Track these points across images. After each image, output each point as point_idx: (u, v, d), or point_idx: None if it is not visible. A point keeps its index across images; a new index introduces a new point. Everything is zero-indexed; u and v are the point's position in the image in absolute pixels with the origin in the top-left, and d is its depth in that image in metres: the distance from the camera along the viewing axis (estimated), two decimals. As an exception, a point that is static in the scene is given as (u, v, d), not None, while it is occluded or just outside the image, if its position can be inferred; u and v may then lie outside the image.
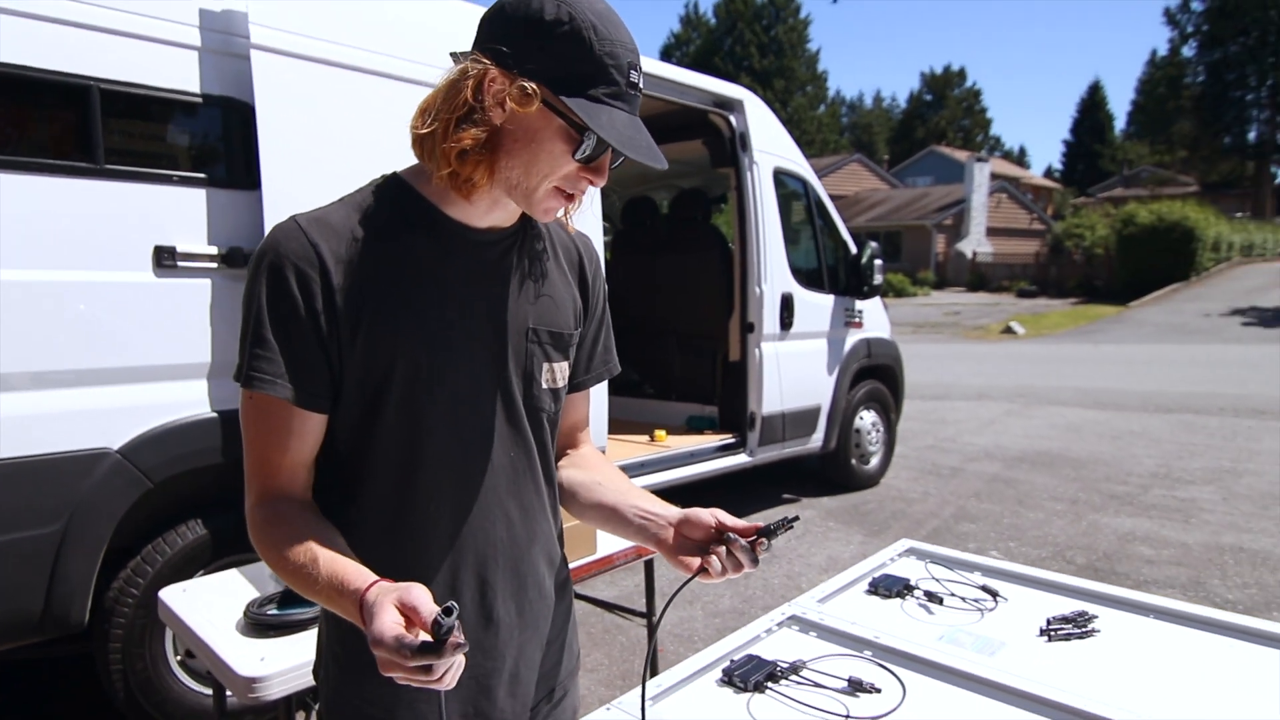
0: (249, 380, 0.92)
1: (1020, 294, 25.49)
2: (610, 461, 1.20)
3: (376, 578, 0.84)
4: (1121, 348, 13.58)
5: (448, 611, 0.74)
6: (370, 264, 0.94)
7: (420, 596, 0.77)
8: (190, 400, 2.52)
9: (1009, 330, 17.18)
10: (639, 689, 1.25)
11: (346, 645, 1.01)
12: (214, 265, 2.53)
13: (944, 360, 12.30)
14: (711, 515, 1.01)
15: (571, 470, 1.18)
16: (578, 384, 1.17)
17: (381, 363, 0.95)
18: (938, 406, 8.51)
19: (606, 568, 2.19)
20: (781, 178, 4.82)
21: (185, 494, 2.60)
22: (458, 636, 0.73)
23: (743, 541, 0.98)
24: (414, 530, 0.99)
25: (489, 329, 1.02)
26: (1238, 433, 6.93)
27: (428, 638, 0.74)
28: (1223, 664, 1.29)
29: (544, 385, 1.07)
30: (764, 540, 0.98)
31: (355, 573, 0.85)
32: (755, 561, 0.98)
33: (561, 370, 1.09)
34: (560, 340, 1.08)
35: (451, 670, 0.76)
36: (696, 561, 1.00)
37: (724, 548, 0.99)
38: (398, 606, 0.77)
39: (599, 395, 3.79)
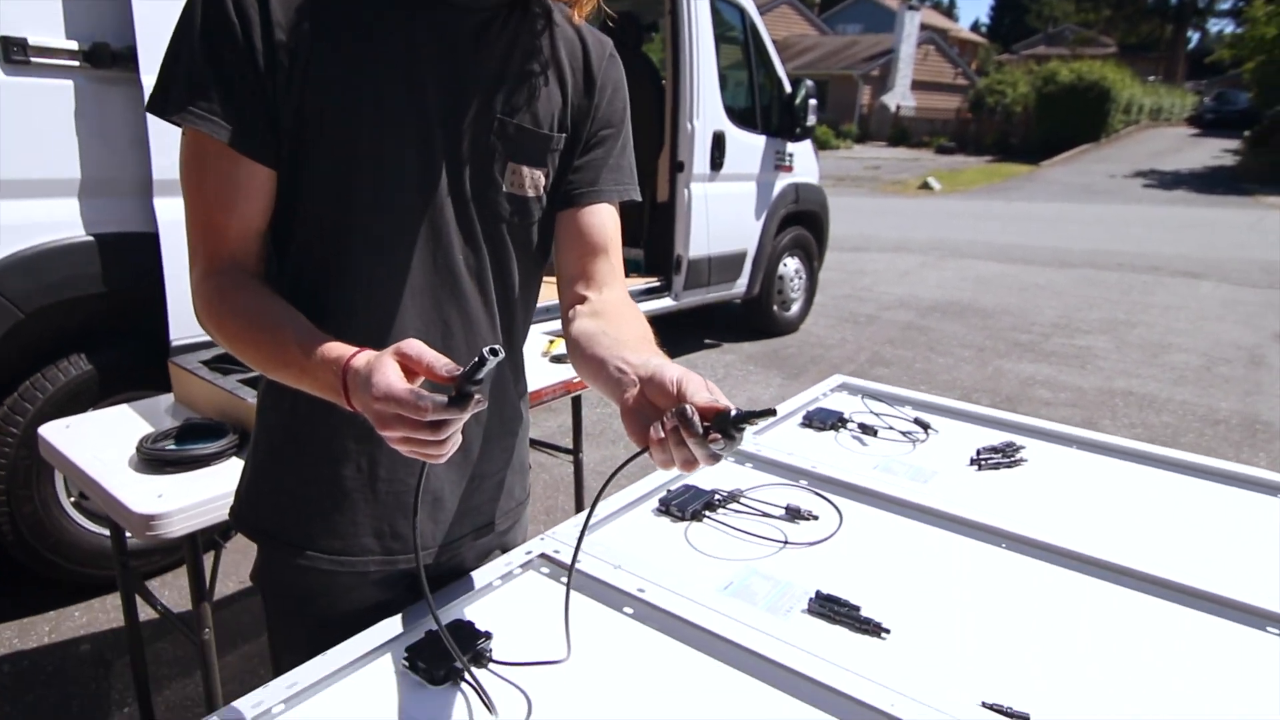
0: (184, 113, 0.80)
1: (939, 150, 25.65)
2: (639, 312, 0.99)
3: (354, 348, 0.76)
4: (1032, 205, 13.93)
5: (493, 352, 0.66)
6: (319, 6, 0.82)
7: (422, 348, 0.71)
8: (60, 221, 2.24)
9: (926, 186, 17.35)
10: (571, 519, 1.20)
11: (295, 435, 0.96)
12: (75, 64, 2.19)
13: (864, 214, 12.39)
14: (676, 378, 0.74)
15: (584, 321, 0.95)
16: (573, 198, 0.99)
17: (310, 124, 0.82)
18: (856, 258, 8.61)
19: (538, 402, 2.13)
20: (718, 4, 4.51)
21: (65, 326, 2.37)
22: (482, 397, 0.69)
23: (696, 426, 0.70)
24: (337, 319, 0.88)
25: (444, 106, 0.87)
26: (1133, 287, 7.28)
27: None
28: (1137, 489, 1.33)
29: (504, 188, 0.93)
30: (722, 435, 0.71)
31: (334, 343, 0.77)
32: (713, 457, 0.71)
33: (534, 178, 0.95)
34: (534, 141, 0.94)
35: (454, 438, 0.71)
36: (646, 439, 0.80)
37: (676, 426, 0.72)
38: (399, 360, 0.70)
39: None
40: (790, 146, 5.14)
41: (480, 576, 1.03)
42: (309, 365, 0.76)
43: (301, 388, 0.79)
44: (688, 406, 0.71)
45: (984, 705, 0.84)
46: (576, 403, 2.31)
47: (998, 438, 1.51)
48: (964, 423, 1.59)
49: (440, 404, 0.67)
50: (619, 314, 0.97)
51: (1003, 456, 1.43)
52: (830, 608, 0.98)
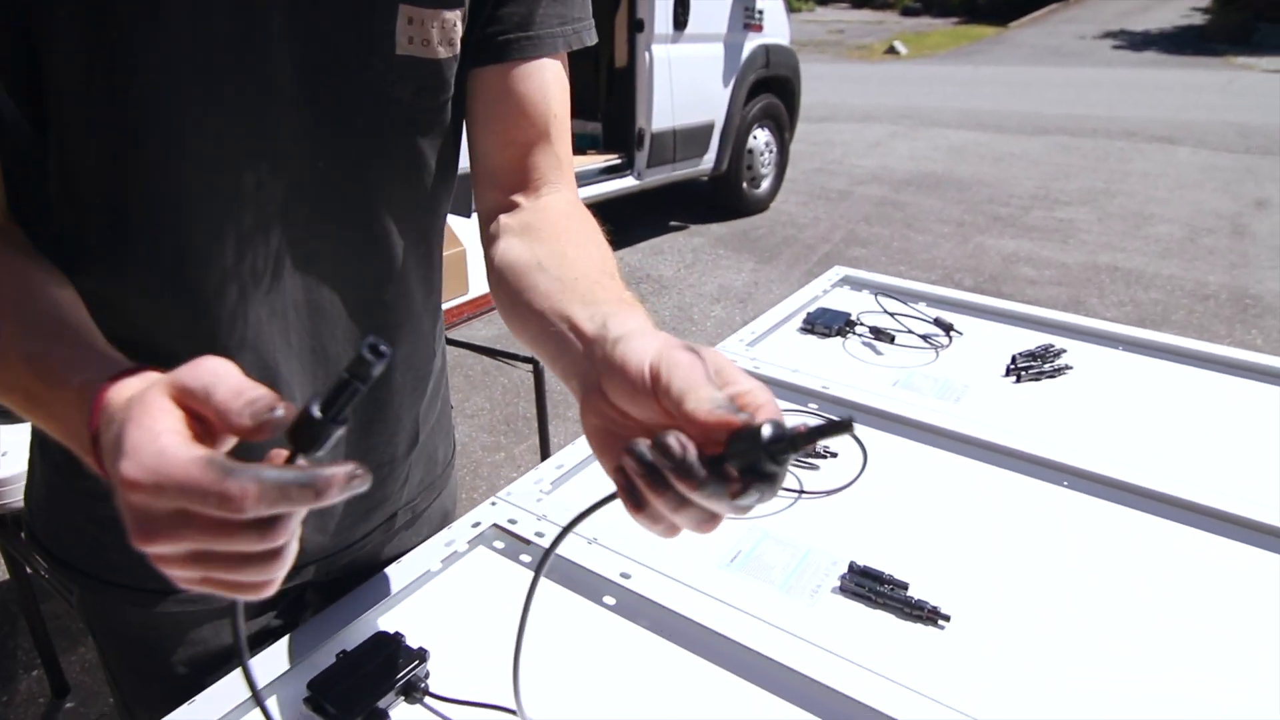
0: None
1: (904, 12, 24.56)
2: (587, 219, 0.68)
3: (127, 363, 0.45)
4: (1001, 69, 13.42)
5: (375, 351, 0.36)
6: None
7: (217, 373, 0.39)
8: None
9: (892, 50, 16.64)
10: (530, 475, 0.95)
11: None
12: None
13: (829, 81, 11.81)
14: (652, 364, 0.43)
15: (511, 245, 0.65)
16: (498, 50, 0.66)
17: None
18: (824, 128, 8.20)
19: (482, 310, 1.84)
20: None
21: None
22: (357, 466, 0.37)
23: (693, 469, 0.39)
24: (131, 282, 0.58)
25: None
26: (1110, 154, 7.02)
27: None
28: (1207, 400, 1.11)
29: (397, 50, 0.60)
30: (750, 475, 0.40)
31: (89, 349, 0.46)
32: (739, 509, 0.41)
33: (445, 26, 0.61)
34: None
35: (290, 546, 0.39)
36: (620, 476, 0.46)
37: (652, 467, 0.41)
38: (176, 398, 0.39)
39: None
40: (760, 1, 4.66)
41: (410, 565, 0.78)
42: (40, 394, 0.46)
43: (42, 428, 0.49)
44: (672, 436, 0.39)
45: (1091, 731, 0.62)
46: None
47: (1030, 338, 1.28)
48: (989, 320, 1.35)
49: (267, 481, 0.36)
50: (565, 232, 0.65)
51: (1043, 364, 1.20)
52: (870, 586, 0.76)
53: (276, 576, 0.39)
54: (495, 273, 0.66)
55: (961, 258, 4.36)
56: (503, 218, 0.68)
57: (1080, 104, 9.83)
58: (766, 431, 0.39)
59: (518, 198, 0.69)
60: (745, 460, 0.39)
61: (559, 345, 0.54)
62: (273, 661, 0.66)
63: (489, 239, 0.68)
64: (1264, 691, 0.67)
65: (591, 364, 0.48)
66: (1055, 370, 1.19)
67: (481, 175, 0.70)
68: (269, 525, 0.37)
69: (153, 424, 0.37)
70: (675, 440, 0.39)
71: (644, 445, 0.40)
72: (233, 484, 0.35)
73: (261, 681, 0.64)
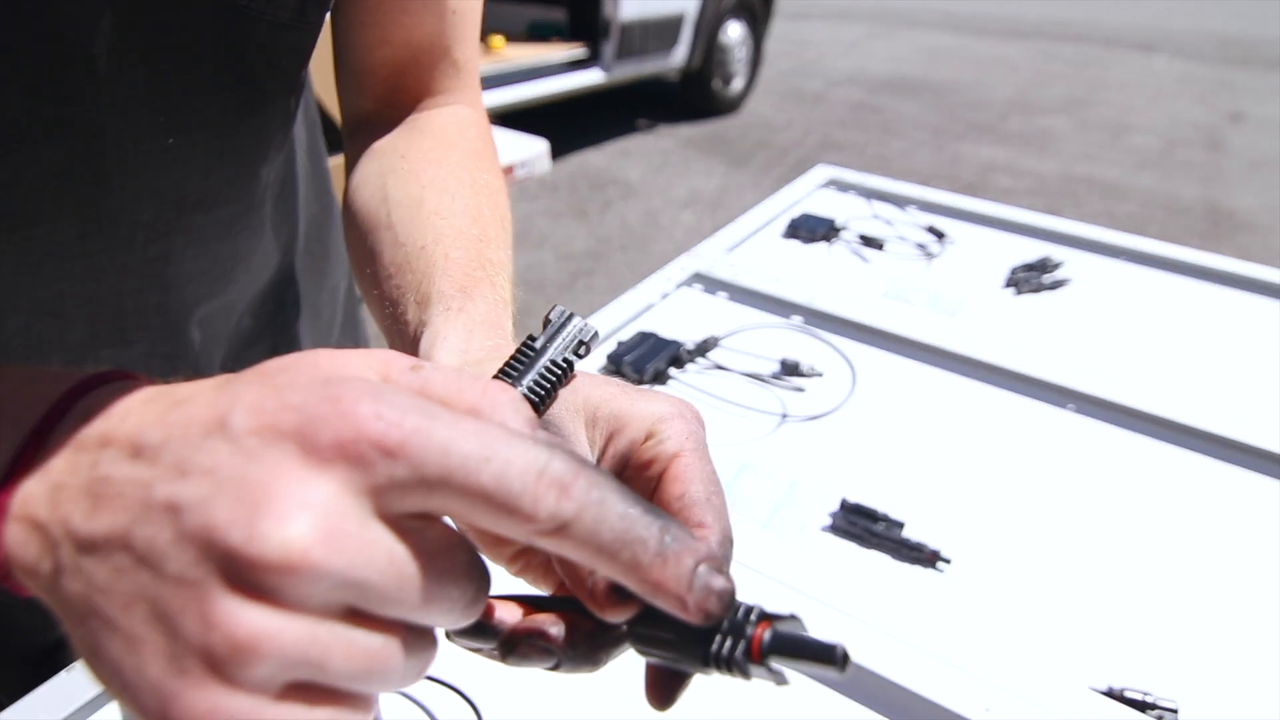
0: None
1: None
2: (475, 149, 0.51)
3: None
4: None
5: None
6: None
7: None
8: None
9: (872, -55, 15.92)
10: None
11: None
12: None
13: (806, -24, 11.28)
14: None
15: (367, 177, 0.49)
16: None
17: None
18: (798, 27, 7.85)
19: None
20: None
21: None
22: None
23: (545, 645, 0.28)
24: None
25: None
26: (1089, 62, 6.84)
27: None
28: (1217, 317, 1.03)
29: None
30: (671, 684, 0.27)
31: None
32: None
33: None
34: None
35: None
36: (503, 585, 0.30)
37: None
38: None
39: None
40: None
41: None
42: None
43: None
44: (555, 629, 0.27)
45: (1108, 693, 0.56)
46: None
47: (1025, 247, 1.18)
48: (982, 227, 1.25)
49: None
50: (435, 166, 0.47)
51: (1041, 274, 1.11)
52: (863, 525, 0.68)
53: None
54: (346, 215, 0.50)
55: (938, 165, 4.24)
56: (375, 142, 0.51)
57: (1060, 7, 9.53)
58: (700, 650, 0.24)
59: (393, 112, 0.52)
60: (655, 653, 0.26)
61: (393, 338, 0.41)
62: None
63: (350, 159, 0.52)
64: (1275, 619, 0.61)
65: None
66: (1055, 283, 1.10)
67: (348, 77, 0.53)
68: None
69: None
70: (556, 634, 0.27)
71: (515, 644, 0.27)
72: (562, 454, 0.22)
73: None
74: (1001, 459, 0.78)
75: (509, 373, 0.31)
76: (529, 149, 1.75)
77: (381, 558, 0.20)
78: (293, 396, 0.21)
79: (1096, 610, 0.63)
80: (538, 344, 0.30)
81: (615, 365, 0.87)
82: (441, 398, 0.23)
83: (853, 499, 0.69)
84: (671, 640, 0.25)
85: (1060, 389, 0.86)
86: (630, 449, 0.30)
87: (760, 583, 0.61)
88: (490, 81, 3.52)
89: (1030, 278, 1.10)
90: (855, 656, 0.56)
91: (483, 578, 0.24)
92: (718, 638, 0.24)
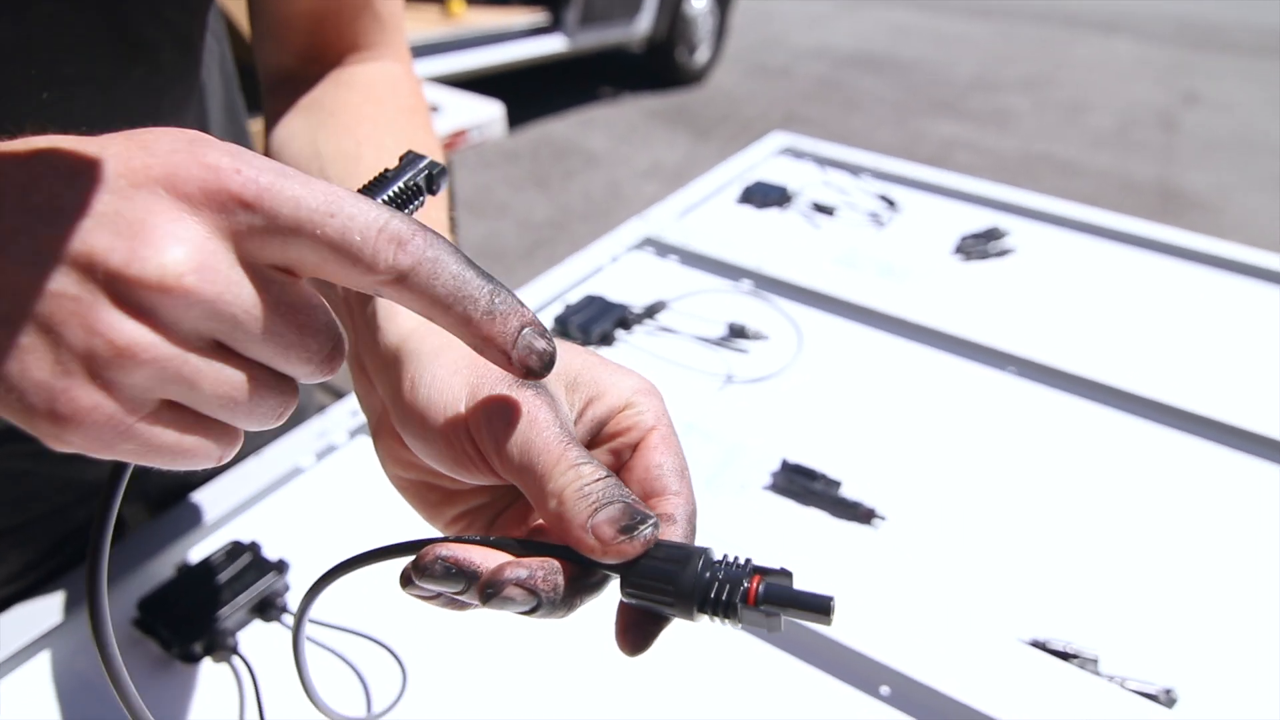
0: None
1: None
2: (406, 105, 0.50)
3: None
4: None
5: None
6: None
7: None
8: None
9: (841, -81, 15.85)
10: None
11: None
12: None
13: (774, -52, 11.20)
14: (487, 432, 0.28)
15: (294, 128, 0.48)
16: None
17: None
18: (763, 1, 7.81)
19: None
20: None
21: None
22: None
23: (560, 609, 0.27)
24: None
25: None
26: (1050, 41, 6.91)
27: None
28: (1159, 287, 1.06)
29: None
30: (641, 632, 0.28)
31: None
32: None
33: None
34: None
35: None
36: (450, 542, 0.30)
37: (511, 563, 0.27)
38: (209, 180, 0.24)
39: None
40: None
41: (273, 460, 0.67)
42: None
43: None
44: (540, 574, 0.27)
45: (1033, 644, 0.57)
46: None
47: (975, 216, 1.20)
48: (934, 196, 1.26)
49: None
50: (367, 122, 0.47)
51: (988, 242, 1.12)
52: (801, 484, 0.68)
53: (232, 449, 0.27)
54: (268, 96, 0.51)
55: (900, 141, 4.26)
56: (295, 98, 0.49)
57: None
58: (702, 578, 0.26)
59: (316, 68, 0.50)
60: (649, 598, 0.27)
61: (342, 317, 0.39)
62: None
63: (270, 115, 0.51)
64: (1196, 575, 0.63)
65: (373, 378, 0.35)
66: (1001, 251, 1.11)
67: (264, 28, 0.51)
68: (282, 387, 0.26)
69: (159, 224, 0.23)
70: (545, 581, 0.26)
71: (506, 587, 0.26)
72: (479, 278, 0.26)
73: (76, 602, 0.53)
74: (941, 421, 0.79)
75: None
76: (483, 112, 1.72)
77: (247, 297, 0.23)
78: (159, 148, 0.23)
79: (1026, 566, 0.64)
80: (389, 174, 0.30)
81: (562, 326, 0.86)
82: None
83: (793, 459, 0.70)
84: (667, 587, 0.26)
85: (1000, 353, 0.87)
86: (607, 416, 0.31)
87: (701, 539, 0.61)
88: (449, 46, 3.45)
89: (977, 246, 1.11)
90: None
91: (339, 338, 0.26)
92: (715, 586, 0.26)
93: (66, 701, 0.49)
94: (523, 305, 0.26)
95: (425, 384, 0.30)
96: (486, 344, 0.26)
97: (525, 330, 0.26)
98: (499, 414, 0.28)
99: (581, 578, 0.27)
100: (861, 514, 0.67)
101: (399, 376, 0.32)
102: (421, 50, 3.32)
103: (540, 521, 0.31)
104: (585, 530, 0.26)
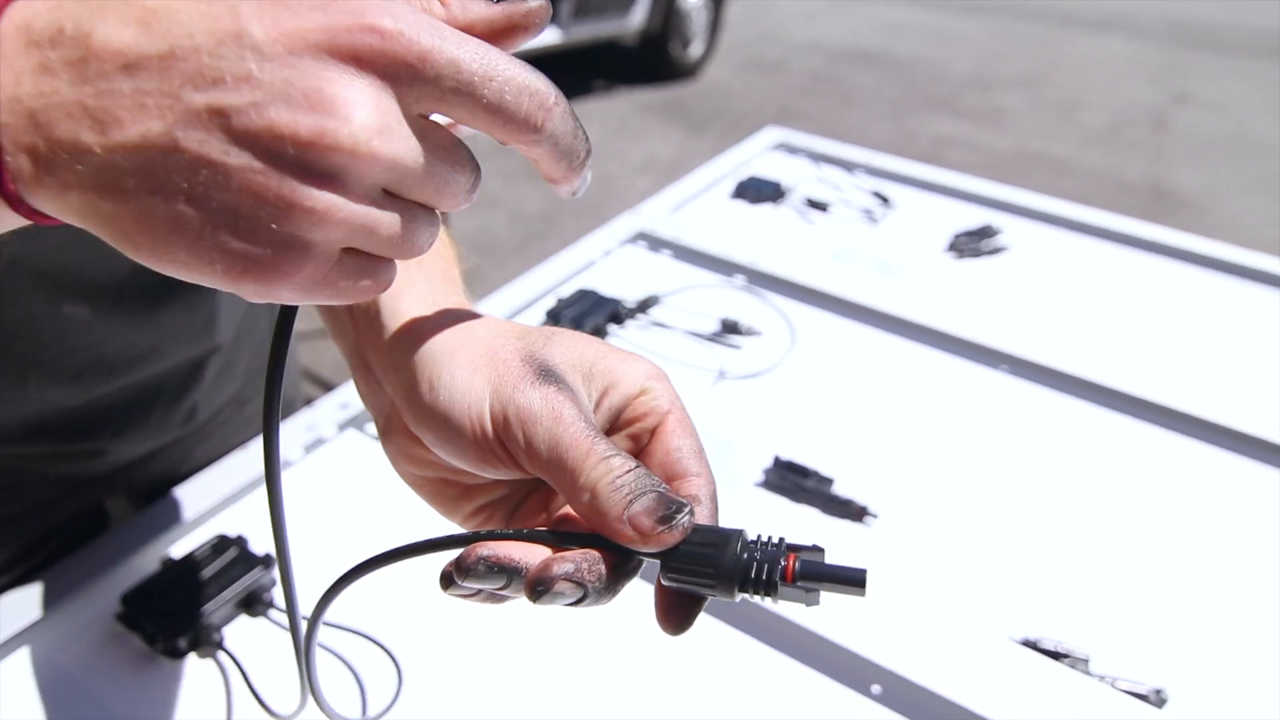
0: None
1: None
2: None
3: None
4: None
5: None
6: None
7: None
8: None
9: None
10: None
11: None
12: None
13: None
14: (519, 430, 0.29)
15: None
16: None
17: None
18: (762, -6, 7.78)
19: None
20: None
21: None
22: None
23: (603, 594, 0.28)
24: None
25: None
26: (1046, 40, 6.92)
27: None
28: (1152, 287, 1.06)
29: None
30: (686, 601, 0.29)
31: None
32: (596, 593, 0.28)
33: None
34: None
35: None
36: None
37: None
38: None
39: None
40: None
41: (260, 453, 0.66)
42: None
43: None
44: (584, 565, 0.27)
45: (1025, 643, 0.57)
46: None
47: (968, 213, 1.19)
48: (927, 193, 1.26)
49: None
50: None
51: (981, 240, 1.12)
52: (794, 481, 0.68)
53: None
54: None
55: (894, 138, 4.26)
56: None
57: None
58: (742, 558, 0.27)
59: None
60: (691, 581, 0.28)
61: (323, 310, 0.40)
62: (77, 569, 0.54)
63: None
64: (1187, 575, 0.63)
65: (381, 378, 0.35)
66: (994, 249, 1.11)
67: None
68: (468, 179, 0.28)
69: None
70: (590, 571, 0.27)
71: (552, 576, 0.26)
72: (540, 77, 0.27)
73: (58, 596, 0.52)
74: (933, 418, 0.79)
75: None
76: (476, 104, 1.70)
77: (415, 148, 0.24)
78: (300, 7, 0.23)
79: (1018, 565, 0.64)
80: None
81: (554, 320, 0.86)
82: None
83: (786, 456, 0.69)
84: (708, 570, 0.27)
85: (993, 351, 0.87)
86: (624, 403, 0.31)
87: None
88: (443, 37, 3.42)
89: (970, 244, 1.11)
90: (779, 609, 0.56)
91: (477, 171, 0.27)
92: (754, 565, 0.27)
93: (48, 696, 0.49)
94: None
95: (445, 385, 0.30)
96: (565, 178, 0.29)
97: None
98: (525, 412, 0.29)
99: (621, 564, 0.28)
100: (854, 511, 0.66)
101: (414, 378, 0.31)
102: (415, 41, 3.29)
103: (565, 510, 0.31)
104: (623, 522, 0.27)
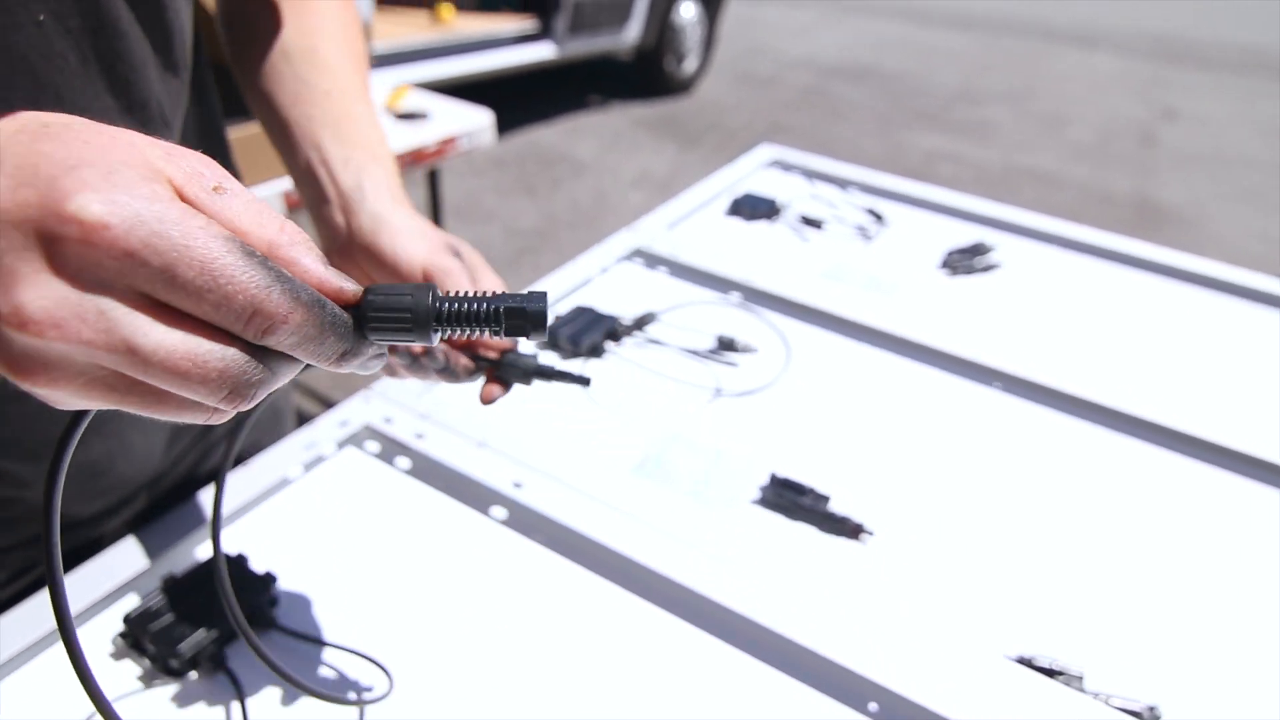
0: None
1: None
2: (343, 5, 0.60)
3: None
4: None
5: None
6: None
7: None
8: None
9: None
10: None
11: None
12: None
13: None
14: (437, 277, 0.48)
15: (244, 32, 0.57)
16: None
17: None
18: (753, 9, 7.85)
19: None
20: None
21: None
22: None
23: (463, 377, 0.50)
24: None
25: None
26: (1030, 55, 6.99)
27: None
28: (1141, 303, 1.07)
29: None
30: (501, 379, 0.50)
31: None
32: (454, 376, 0.49)
33: None
34: None
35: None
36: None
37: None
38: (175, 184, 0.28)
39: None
40: None
41: (261, 471, 0.66)
42: None
43: None
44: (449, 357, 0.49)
45: (1019, 661, 0.58)
46: (434, 178, 1.84)
47: (961, 231, 1.21)
48: (920, 210, 1.27)
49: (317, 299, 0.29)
50: (315, 16, 0.57)
51: (974, 258, 1.13)
52: (790, 498, 0.69)
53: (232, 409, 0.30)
54: (225, 16, 0.58)
55: (884, 152, 4.29)
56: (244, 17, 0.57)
57: (1004, 1, 9.72)
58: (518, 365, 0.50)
59: None
60: (515, 378, 0.50)
61: (306, 176, 0.53)
62: (77, 590, 0.54)
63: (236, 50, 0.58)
64: (1181, 592, 0.63)
65: (346, 226, 0.51)
66: (987, 266, 1.12)
67: None
68: (255, 382, 0.28)
69: (138, 164, 0.26)
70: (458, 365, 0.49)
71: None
72: (281, 289, 0.26)
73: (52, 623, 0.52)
74: (929, 436, 0.79)
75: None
76: (473, 120, 1.72)
77: (101, 335, 0.25)
78: (37, 181, 0.24)
79: (1013, 582, 0.65)
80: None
81: (552, 338, 0.86)
82: (241, 228, 0.27)
83: (782, 473, 0.70)
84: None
85: (987, 369, 0.88)
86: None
87: (685, 553, 0.61)
88: (438, 52, 3.44)
89: (964, 261, 1.12)
90: (777, 627, 0.57)
91: (225, 381, 0.27)
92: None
93: (51, 717, 0.49)
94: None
95: (400, 245, 0.49)
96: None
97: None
98: (437, 267, 0.49)
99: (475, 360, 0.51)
100: (850, 529, 0.67)
101: (378, 237, 0.50)
102: (411, 56, 3.31)
103: None
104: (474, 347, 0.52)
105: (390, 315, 0.31)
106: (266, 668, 0.44)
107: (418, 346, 0.47)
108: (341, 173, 0.52)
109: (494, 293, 0.33)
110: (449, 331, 0.32)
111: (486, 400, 0.47)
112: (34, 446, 0.54)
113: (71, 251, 0.24)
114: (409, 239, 0.49)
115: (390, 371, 0.48)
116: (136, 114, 0.49)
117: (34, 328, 0.24)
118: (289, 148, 0.54)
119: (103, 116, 0.46)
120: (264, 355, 0.28)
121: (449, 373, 0.48)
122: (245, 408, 0.28)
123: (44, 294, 0.24)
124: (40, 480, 0.56)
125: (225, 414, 0.29)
